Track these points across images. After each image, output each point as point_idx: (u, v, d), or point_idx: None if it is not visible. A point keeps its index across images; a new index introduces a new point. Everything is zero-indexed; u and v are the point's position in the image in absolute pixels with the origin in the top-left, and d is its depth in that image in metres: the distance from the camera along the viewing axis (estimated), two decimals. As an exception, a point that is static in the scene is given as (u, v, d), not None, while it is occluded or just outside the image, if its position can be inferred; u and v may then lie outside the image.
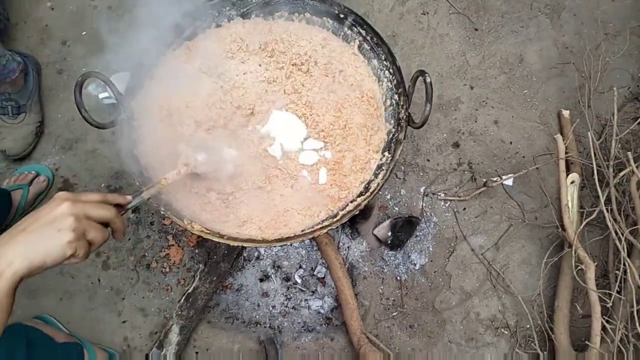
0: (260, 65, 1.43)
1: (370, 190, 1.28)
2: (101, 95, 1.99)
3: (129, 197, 1.06)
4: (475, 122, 1.94)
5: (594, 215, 1.64)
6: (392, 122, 1.37)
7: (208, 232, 1.23)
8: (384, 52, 1.38)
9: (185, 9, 1.39)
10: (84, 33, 2.16)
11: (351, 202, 1.30)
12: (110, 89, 1.32)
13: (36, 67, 2.04)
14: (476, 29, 2.04)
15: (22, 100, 1.94)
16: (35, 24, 2.19)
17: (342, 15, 1.43)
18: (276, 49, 1.42)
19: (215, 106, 1.37)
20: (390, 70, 1.38)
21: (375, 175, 1.34)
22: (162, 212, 1.23)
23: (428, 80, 1.20)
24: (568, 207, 1.70)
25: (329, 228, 1.22)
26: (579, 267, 1.60)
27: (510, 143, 1.91)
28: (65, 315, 1.78)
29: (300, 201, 1.32)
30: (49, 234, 0.83)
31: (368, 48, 1.41)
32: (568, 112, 1.90)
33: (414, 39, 2.02)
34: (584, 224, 1.63)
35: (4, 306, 0.80)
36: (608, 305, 1.59)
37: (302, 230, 1.26)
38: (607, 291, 1.61)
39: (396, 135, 1.34)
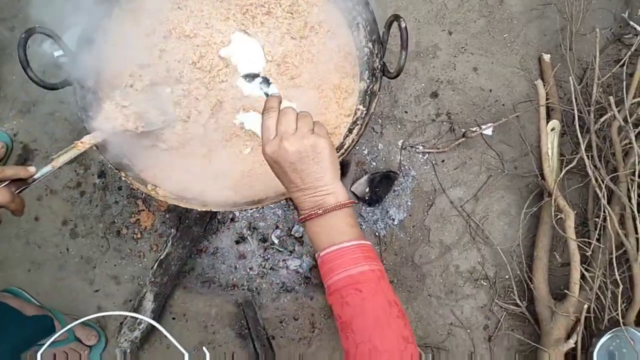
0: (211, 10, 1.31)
1: (345, 148, 1.21)
2: (56, 53, 1.85)
3: (32, 169, 0.98)
4: (454, 70, 1.86)
5: (574, 163, 1.60)
6: (367, 74, 1.29)
7: (174, 197, 1.17)
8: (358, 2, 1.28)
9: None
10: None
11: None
12: (60, 46, 1.21)
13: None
14: (454, -30, 1.92)
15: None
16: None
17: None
18: None
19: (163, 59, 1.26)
20: (364, 15, 1.28)
21: (350, 130, 1.27)
22: (123, 178, 1.16)
23: (403, 25, 1.11)
24: (548, 155, 1.66)
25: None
26: (559, 216, 1.58)
27: (490, 91, 1.84)
28: (35, 286, 1.72)
29: (264, 162, 1.25)
30: None
31: None
32: (549, 56, 1.82)
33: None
34: (564, 172, 1.60)
35: None
36: (587, 254, 1.58)
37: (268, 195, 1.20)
38: (587, 240, 1.60)
39: (371, 87, 1.26)
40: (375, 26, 1.25)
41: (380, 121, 1.82)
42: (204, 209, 1.14)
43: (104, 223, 1.76)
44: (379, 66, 1.23)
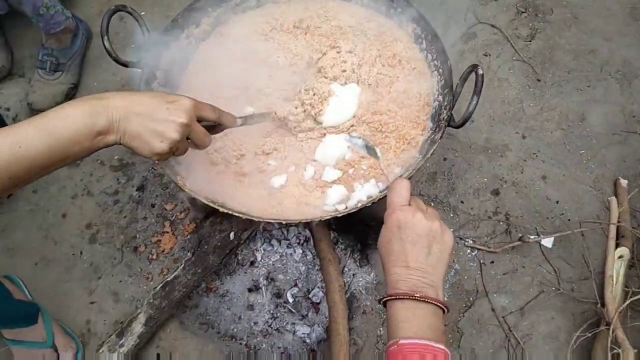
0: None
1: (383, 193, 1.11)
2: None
3: (239, 121, 1.07)
4: (521, 173, 1.75)
5: (641, 297, 1.39)
6: (431, 125, 1.22)
7: (197, 193, 1.10)
8: (436, 50, 1.26)
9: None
10: (142, 13, 2.17)
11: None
12: (140, 27, 1.26)
13: (87, 33, 2.04)
14: (539, 80, 1.90)
15: (63, 59, 1.92)
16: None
17: (395, 7, 1.34)
18: (311, 25, 1.33)
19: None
20: (441, 70, 1.24)
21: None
22: (156, 166, 1.11)
23: (480, 72, 1.05)
24: (612, 279, 1.46)
25: (329, 216, 1.06)
26: (615, 351, 1.33)
27: (557, 202, 1.70)
28: (36, 282, 1.63)
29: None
30: (152, 139, 0.88)
31: (421, 38, 1.30)
32: (626, 182, 1.69)
33: (470, 78, 1.90)
34: (628, 301, 1.39)
35: (81, 154, 0.85)
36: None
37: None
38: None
39: (432, 136, 1.18)
40: (451, 79, 1.21)
41: (432, 204, 1.70)
42: (222, 210, 1.05)
43: (126, 236, 1.69)
44: (446, 117, 1.16)
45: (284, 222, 1.09)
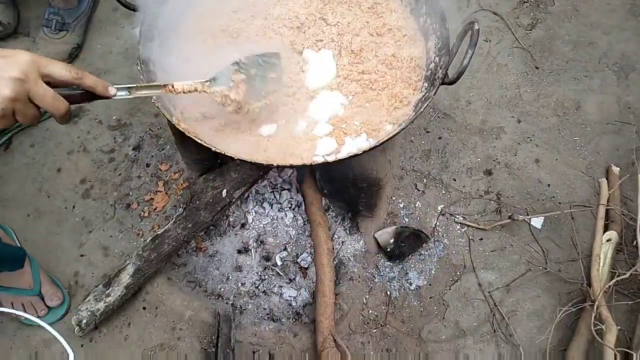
0: None
1: (380, 140, 1.12)
2: None
3: (113, 91, 0.95)
4: (515, 155, 1.77)
5: (627, 275, 1.41)
6: (426, 85, 1.24)
7: (191, 132, 1.10)
8: (435, 14, 1.28)
9: None
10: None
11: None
12: None
13: (94, -5, 2.06)
14: (537, 67, 1.92)
15: (69, 18, 1.94)
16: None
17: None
18: None
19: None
20: (439, 33, 1.26)
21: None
22: (153, 101, 1.11)
23: (476, 27, 1.07)
24: (599, 259, 1.47)
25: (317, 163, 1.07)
26: (599, 327, 1.34)
27: (548, 185, 1.71)
28: (27, 233, 1.64)
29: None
30: None
31: (421, 2, 1.32)
32: (618, 169, 1.70)
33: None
34: (614, 280, 1.40)
35: None
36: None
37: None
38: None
39: (426, 94, 1.19)
40: (448, 40, 1.22)
41: (425, 180, 1.72)
42: (215, 149, 1.06)
43: (119, 193, 1.70)
44: (441, 75, 1.17)
45: (274, 165, 1.10)
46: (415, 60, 1.27)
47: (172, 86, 1.06)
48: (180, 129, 1.11)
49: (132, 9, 1.24)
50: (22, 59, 0.79)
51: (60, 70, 0.85)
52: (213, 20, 1.33)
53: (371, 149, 1.10)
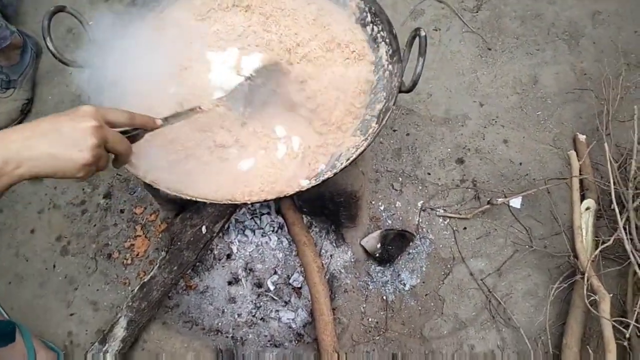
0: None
1: (351, 158, 1.12)
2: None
3: (159, 122, 0.99)
4: (483, 139, 1.79)
5: (610, 242, 1.44)
6: (383, 94, 1.24)
7: (159, 184, 1.09)
8: (381, 21, 1.28)
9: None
10: (90, 23, 2.15)
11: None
12: (84, 28, 1.25)
13: (36, 48, 2.01)
14: (489, 49, 1.95)
15: (13, 75, 1.89)
16: (46, 9, 2.19)
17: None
18: (253, 4, 1.33)
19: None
20: (387, 40, 1.26)
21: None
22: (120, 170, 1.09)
23: (422, 34, 1.07)
24: (581, 230, 1.51)
25: (295, 192, 1.06)
26: (592, 298, 1.37)
27: (520, 164, 1.74)
28: (12, 300, 1.61)
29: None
30: (69, 152, 0.79)
31: (365, 12, 1.31)
32: (584, 137, 1.74)
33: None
34: (599, 249, 1.44)
35: None
36: (625, 344, 1.35)
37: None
38: (625, 330, 1.37)
39: (386, 105, 1.20)
40: (398, 45, 1.22)
41: (400, 179, 1.73)
42: (185, 197, 1.04)
43: (98, 244, 1.67)
44: (397, 84, 1.18)
45: (250, 202, 1.08)
46: (361, 84, 1.26)
47: (200, 107, 1.11)
48: (147, 181, 1.09)
49: (69, 64, 1.22)
50: (89, 109, 0.84)
51: (118, 115, 0.90)
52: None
53: (343, 169, 1.09)
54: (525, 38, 1.95)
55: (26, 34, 1.99)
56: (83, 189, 1.76)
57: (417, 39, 1.10)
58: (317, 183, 1.09)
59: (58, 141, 0.79)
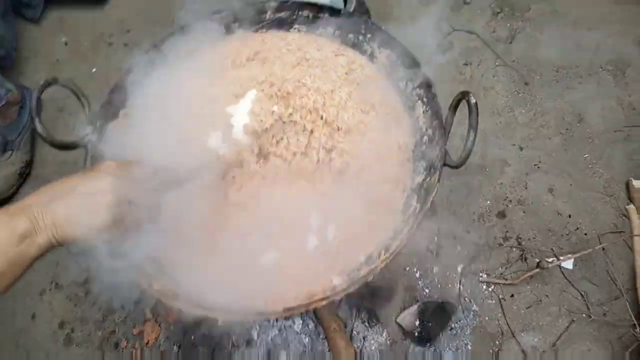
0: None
1: (390, 252, 0.95)
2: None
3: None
4: (525, 188, 1.60)
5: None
6: (423, 165, 1.06)
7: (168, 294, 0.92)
8: (417, 77, 1.11)
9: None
10: (94, 70, 2.00)
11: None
12: (81, 103, 1.10)
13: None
14: (526, 83, 1.75)
15: (11, 135, 1.73)
16: (46, 59, 2.08)
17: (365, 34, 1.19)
18: (270, 56, 1.17)
19: None
20: (425, 99, 1.09)
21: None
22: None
23: (473, 101, 0.90)
24: (649, 299, 1.32)
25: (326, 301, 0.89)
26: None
27: (569, 216, 1.55)
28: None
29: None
30: (84, 215, 0.76)
31: (397, 65, 1.14)
32: (639, 182, 1.55)
33: (453, 91, 1.74)
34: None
35: (10, 270, 0.73)
36: None
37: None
38: None
39: (427, 179, 1.02)
40: (438, 106, 1.05)
41: (436, 239, 1.55)
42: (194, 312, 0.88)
43: (103, 331, 1.51)
44: (439, 154, 1.00)
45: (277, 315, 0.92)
46: (402, 149, 1.09)
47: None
48: (155, 294, 0.93)
49: (65, 147, 1.07)
50: (109, 164, 0.84)
51: (142, 169, 0.86)
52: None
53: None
54: (565, 71, 1.76)
55: (24, 87, 1.83)
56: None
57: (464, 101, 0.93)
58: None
59: (78, 201, 0.76)
